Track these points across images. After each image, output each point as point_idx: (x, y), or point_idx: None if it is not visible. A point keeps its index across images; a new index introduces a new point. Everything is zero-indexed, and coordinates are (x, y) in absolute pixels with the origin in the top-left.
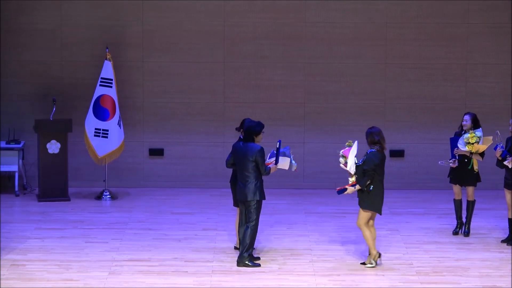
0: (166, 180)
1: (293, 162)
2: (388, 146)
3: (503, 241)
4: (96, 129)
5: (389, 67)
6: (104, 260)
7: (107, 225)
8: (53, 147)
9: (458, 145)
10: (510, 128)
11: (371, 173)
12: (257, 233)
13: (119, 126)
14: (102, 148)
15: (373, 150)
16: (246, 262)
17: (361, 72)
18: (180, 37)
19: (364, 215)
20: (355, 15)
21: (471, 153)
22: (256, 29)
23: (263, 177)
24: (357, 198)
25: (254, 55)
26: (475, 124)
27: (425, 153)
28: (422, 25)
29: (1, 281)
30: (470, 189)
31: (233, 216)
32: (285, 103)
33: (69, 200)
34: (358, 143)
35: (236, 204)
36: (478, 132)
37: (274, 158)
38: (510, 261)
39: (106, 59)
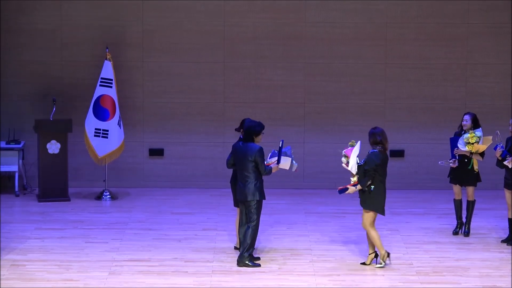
0: (166, 180)
1: (294, 162)
2: (388, 146)
3: (503, 241)
4: (96, 129)
5: (389, 67)
6: (104, 260)
7: (107, 225)
8: (53, 147)
9: (458, 145)
10: (510, 128)
11: (371, 173)
12: (257, 233)
13: (119, 126)
14: (102, 148)
15: (375, 150)
16: (246, 262)
17: (361, 72)
18: (180, 37)
19: (368, 215)
20: (355, 15)
21: (471, 153)
22: (256, 29)
23: (264, 177)
24: (357, 198)
25: (254, 55)
26: (475, 124)
27: (425, 153)
28: (422, 25)
29: (1, 281)
30: (470, 189)
31: (233, 216)
32: (285, 103)
33: (69, 200)
34: (361, 143)
35: (236, 204)
36: (478, 132)
37: (275, 158)
38: (510, 261)
39: (106, 59)
